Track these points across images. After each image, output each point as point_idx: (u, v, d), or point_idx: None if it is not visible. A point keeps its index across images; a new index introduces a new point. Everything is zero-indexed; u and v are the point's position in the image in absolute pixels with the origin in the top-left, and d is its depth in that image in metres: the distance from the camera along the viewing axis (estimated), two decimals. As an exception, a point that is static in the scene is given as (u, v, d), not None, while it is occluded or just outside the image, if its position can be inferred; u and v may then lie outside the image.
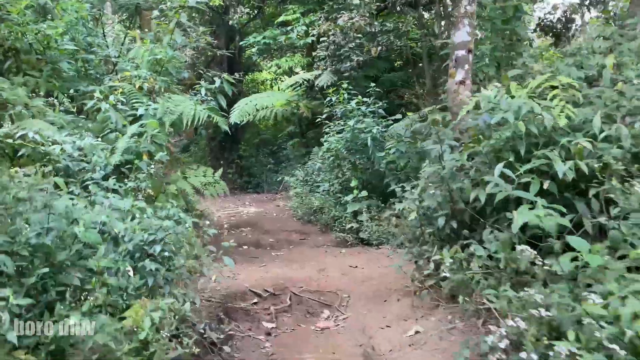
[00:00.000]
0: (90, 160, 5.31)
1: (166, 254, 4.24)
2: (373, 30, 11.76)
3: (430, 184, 4.57)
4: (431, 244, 4.46)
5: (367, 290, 5.52)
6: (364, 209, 8.30)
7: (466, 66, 5.40)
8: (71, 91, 6.40)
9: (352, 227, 8.29)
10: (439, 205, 4.40)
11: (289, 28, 13.52)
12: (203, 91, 6.91)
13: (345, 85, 9.84)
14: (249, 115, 13.44)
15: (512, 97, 3.90)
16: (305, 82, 13.45)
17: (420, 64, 13.51)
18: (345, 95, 9.75)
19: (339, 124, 9.95)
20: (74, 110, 6.32)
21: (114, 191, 4.99)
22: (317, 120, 10.58)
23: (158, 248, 4.17)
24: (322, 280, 5.93)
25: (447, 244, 4.39)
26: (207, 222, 4.94)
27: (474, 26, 5.52)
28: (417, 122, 7.82)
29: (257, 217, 11.34)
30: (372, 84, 9.90)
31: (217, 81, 6.88)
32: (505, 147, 3.83)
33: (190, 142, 21.85)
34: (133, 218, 4.35)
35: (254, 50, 18.05)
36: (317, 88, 13.40)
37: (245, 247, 8.68)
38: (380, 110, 9.26)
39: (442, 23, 11.70)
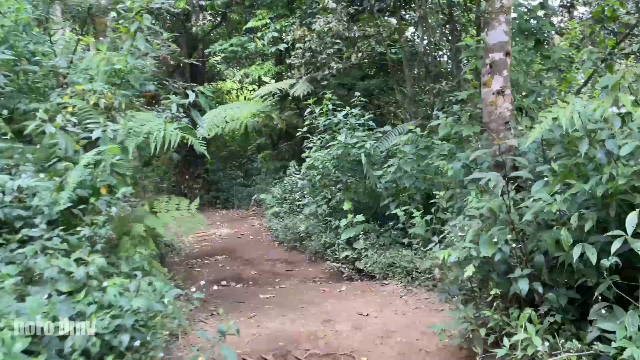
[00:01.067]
0: (31, 205, 3.93)
1: (137, 343, 2.93)
2: (352, 35, 10.64)
3: (487, 227, 3.43)
4: (496, 307, 3.30)
5: (390, 351, 4.31)
6: (360, 235, 7.12)
7: (504, 72, 4.32)
8: (4, 111, 4.93)
9: (348, 256, 7.09)
10: (510, 258, 3.28)
11: (258, 34, 12.24)
12: (174, 107, 5.56)
13: (329, 95, 8.65)
14: (218, 127, 12.07)
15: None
16: (278, 92, 12.19)
17: (399, 72, 12.52)
18: (329, 106, 8.56)
19: (322, 137, 8.75)
20: (9, 134, 4.87)
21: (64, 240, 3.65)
22: (297, 133, 9.35)
23: (126, 339, 2.85)
24: (330, 338, 4.68)
25: (515, 308, 3.26)
26: (193, 289, 3.63)
27: (510, 23, 4.45)
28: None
29: (233, 241, 9.99)
30: (357, 94, 8.76)
31: (191, 95, 5.55)
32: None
33: (151, 156, 20.17)
34: (88, 292, 3.02)
35: (218, 59, 16.69)
36: (291, 98, 12.18)
37: (224, 283, 7.34)
38: (371, 122, 8.12)
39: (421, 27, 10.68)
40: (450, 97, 9.79)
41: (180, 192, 17.39)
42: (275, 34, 11.93)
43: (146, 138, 5.24)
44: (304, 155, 8.96)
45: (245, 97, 18.86)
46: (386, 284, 6.23)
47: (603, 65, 7.77)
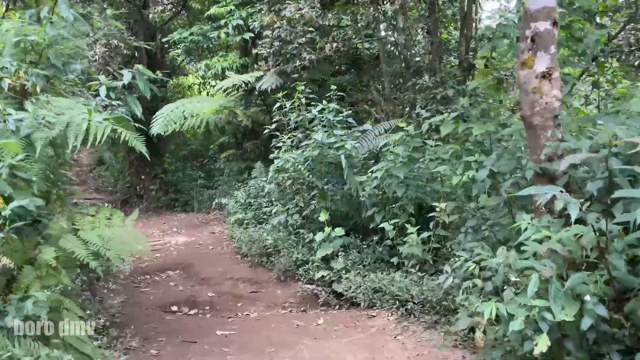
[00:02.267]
0: None
1: None
2: (326, 24, 9.34)
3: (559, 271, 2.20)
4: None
5: None
6: (339, 252, 5.84)
7: (552, 48, 3.10)
8: None
9: (324, 276, 5.79)
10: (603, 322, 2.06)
11: (222, 22, 10.76)
12: (103, 91, 4.10)
13: (301, 88, 7.32)
14: (175, 124, 10.54)
15: None
16: (243, 86, 10.75)
17: (375, 67, 11.32)
18: (303, 101, 7.23)
19: (294, 136, 7.42)
20: None
21: None
22: (264, 131, 7.98)
23: None
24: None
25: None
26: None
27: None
28: (411, 133, 5.46)
29: (190, 253, 8.51)
30: (333, 87, 7.46)
31: (126, 75, 4.11)
32: None
33: (105, 154, 18.32)
34: None
35: (179, 50, 15.09)
36: (257, 93, 10.77)
37: (174, 308, 5.92)
38: (350, 120, 6.83)
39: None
40: (435, 93, 8.67)
41: (135, 194, 15.68)
42: (241, 22, 10.48)
43: (63, 131, 3.79)
44: (272, 156, 7.61)
45: (207, 92, 17.29)
46: (373, 316, 4.94)
47: (594, 63, 6.79)
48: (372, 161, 6.95)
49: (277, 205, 7.42)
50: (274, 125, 7.76)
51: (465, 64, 9.15)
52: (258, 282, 6.47)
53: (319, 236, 5.88)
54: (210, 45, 12.54)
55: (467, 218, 4.52)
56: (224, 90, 11.18)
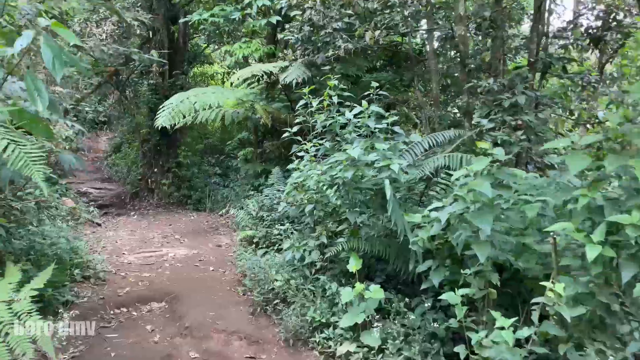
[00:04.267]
0: None
1: None
2: (369, 7, 7.30)
3: None
4: None
5: None
6: (374, 322, 3.87)
7: None
8: None
9: (351, 353, 3.83)
10: None
11: (245, 1, 8.81)
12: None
13: (333, 83, 5.32)
14: (185, 117, 8.68)
15: None
16: (264, 77, 8.82)
17: (420, 64, 9.26)
18: (335, 99, 5.24)
19: (319, 144, 5.45)
20: None
21: None
22: (284, 134, 6.03)
23: None
24: None
25: None
26: None
27: None
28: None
29: (185, 276, 6.63)
30: (374, 84, 5.42)
31: (25, 36, 2.19)
32: None
33: (123, 142, 16.66)
34: None
35: (202, 36, 13.23)
36: (281, 86, 8.82)
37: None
38: (397, 128, 4.81)
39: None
40: (500, 99, 6.59)
41: (146, 187, 13.92)
42: (267, 2, 8.52)
43: None
44: (291, 166, 5.66)
45: (231, 83, 15.37)
46: None
47: None
48: (422, 185, 4.93)
49: (291, 231, 5.47)
50: (295, 128, 5.80)
51: (540, 64, 7.01)
52: (259, 341, 4.53)
53: (347, 294, 3.90)
54: (234, 29, 10.63)
55: (609, 322, 2.49)
56: (244, 81, 9.28)
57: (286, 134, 5.87)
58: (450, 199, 3.50)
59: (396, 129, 4.72)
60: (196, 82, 15.56)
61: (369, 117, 4.58)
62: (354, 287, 3.94)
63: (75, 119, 13.44)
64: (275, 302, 4.85)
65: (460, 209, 3.15)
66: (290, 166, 5.68)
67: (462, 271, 3.27)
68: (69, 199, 10.40)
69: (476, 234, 3.13)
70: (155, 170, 13.50)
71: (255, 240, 7.04)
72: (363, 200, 4.35)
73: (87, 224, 9.93)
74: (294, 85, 7.64)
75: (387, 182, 3.90)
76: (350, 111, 4.88)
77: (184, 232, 9.68)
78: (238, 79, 8.30)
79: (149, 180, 13.64)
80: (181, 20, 10.68)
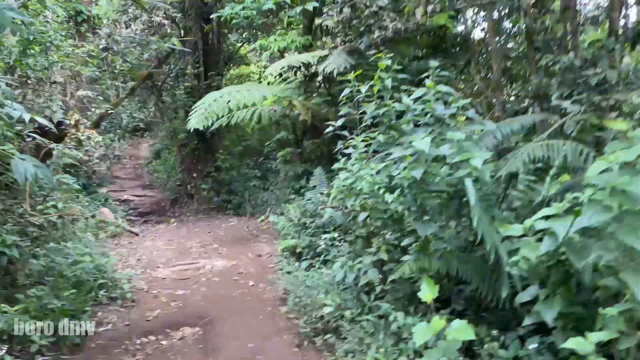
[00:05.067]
0: None
1: None
2: (418, -21, 6.24)
3: None
4: None
5: None
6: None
7: None
8: None
9: (428, 411, 2.84)
10: None
11: (279, -11, 7.94)
12: None
13: (385, 64, 4.33)
14: (219, 118, 7.90)
15: None
16: (302, 69, 7.91)
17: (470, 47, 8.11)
18: (388, 83, 4.24)
19: (370, 138, 4.47)
20: None
21: None
22: (326, 130, 5.08)
23: None
24: None
25: None
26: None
27: None
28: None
29: (222, 293, 5.80)
30: (433, 63, 4.38)
31: None
32: None
33: (162, 147, 16.22)
34: None
35: (235, 34, 12.49)
36: (320, 78, 7.88)
37: None
38: (472, 113, 3.77)
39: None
40: (586, 77, 5.39)
41: (185, 192, 13.35)
42: (304, -13, 7.62)
43: None
44: (336, 165, 4.72)
45: (268, 82, 14.57)
46: None
47: None
48: (503, 186, 3.86)
49: (340, 242, 4.52)
50: (340, 121, 4.84)
51: (629, 33, 5.75)
52: (307, 384, 3.61)
53: (422, 333, 2.89)
54: (268, 24, 9.80)
55: None
56: (280, 75, 8.41)
57: (329, 129, 4.93)
58: (565, 204, 2.45)
59: (470, 114, 3.68)
60: (233, 84, 14.87)
61: (437, 100, 3.56)
62: (429, 321, 2.94)
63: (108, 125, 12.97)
64: (325, 332, 3.91)
65: (599, 219, 2.09)
66: (335, 166, 4.75)
67: (599, 310, 2.20)
68: (106, 209, 9.90)
69: (623, 255, 2.07)
70: (194, 175, 12.91)
71: (298, 251, 6.15)
72: (437, 207, 3.33)
73: (124, 234, 9.38)
74: (335, 76, 6.68)
75: (469, 182, 2.88)
76: (409, 96, 3.87)
77: (223, 241, 8.93)
78: (273, 72, 7.42)
79: (188, 185, 13.08)
80: (213, 15, 9.91)
